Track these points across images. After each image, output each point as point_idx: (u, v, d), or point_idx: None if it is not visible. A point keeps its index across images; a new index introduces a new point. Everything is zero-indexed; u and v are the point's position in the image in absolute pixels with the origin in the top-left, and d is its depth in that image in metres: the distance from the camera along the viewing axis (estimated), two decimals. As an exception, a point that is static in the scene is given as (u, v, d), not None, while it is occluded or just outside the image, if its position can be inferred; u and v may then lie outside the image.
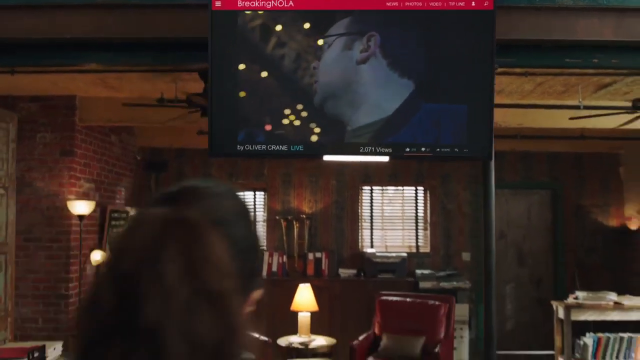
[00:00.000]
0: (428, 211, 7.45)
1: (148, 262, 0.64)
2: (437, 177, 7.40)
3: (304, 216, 7.25)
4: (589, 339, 5.36)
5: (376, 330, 5.41)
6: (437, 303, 5.52)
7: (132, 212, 6.77)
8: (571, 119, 5.16)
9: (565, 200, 7.38)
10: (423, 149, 3.20)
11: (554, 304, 5.69)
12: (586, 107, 5.20)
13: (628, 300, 5.40)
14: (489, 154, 3.20)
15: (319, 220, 7.33)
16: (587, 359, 5.34)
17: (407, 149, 3.20)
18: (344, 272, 7.04)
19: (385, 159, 3.27)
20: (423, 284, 6.72)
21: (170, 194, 0.80)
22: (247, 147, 3.20)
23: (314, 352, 5.24)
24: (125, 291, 0.63)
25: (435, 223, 7.41)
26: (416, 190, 7.51)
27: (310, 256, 7.06)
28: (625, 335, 5.39)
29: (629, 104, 5.12)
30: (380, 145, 3.17)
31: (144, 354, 0.62)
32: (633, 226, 7.05)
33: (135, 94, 5.62)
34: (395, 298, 5.71)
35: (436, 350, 4.92)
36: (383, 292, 5.78)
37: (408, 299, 5.74)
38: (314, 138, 3.16)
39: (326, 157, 3.43)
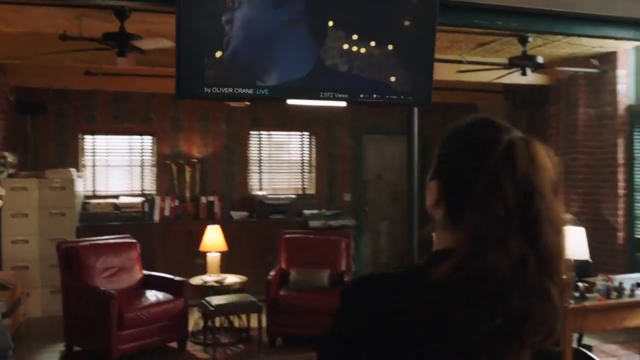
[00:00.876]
0: (313, 155, 7.88)
1: (537, 171, 0.93)
2: (323, 123, 7.83)
3: (195, 160, 7.29)
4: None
5: (283, 266, 5.77)
6: (337, 238, 6.03)
7: (9, 157, 6.30)
8: (459, 72, 5.84)
9: (432, 145, 8.25)
10: (375, 95, 3.55)
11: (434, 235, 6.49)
12: (469, 62, 5.92)
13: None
14: (428, 101, 3.64)
15: (210, 164, 7.41)
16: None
17: (362, 95, 3.53)
18: (236, 215, 7.27)
19: (343, 104, 3.57)
20: (312, 223, 7.21)
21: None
22: (214, 89, 3.30)
23: (229, 288, 5.48)
24: (522, 189, 0.92)
25: (320, 167, 7.88)
26: (302, 135, 7.89)
27: (203, 199, 7.16)
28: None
29: (504, 61, 5.92)
30: (338, 91, 3.47)
31: (534, 241, 0.92)
32: (487, 168, 8.15)
33: (29, 29, 5.22)
34: (298, 235, 6.11)
35: (346, 279, 5.43)
36: (286, 231, 6.14)
37: (311, 236, 6.18)
38: (278, 82, 3.35)
39: (290, 102, 3.63)
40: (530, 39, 5.49)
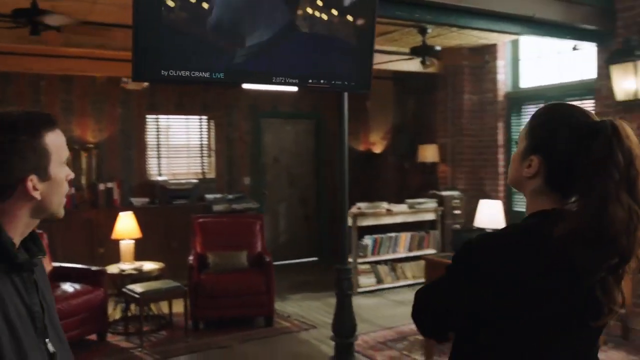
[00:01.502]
0: (212, 140, 7.85)
1: (632, 144, 1.21)
2: (221, 107, 7.82)
3: (91, 145, 6.95)
4: (368, 240, 6.67)
5: (199, 250, 5.77)
6: (251, 220, 6.14)
7: None
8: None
9: (325, 129, 8.58)
10: (322, 81, 3.73)
11: (341, 214, 6.83)
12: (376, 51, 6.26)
13: (394, 207, 6.85)
14: (369, 87, 3.89)
15: (106, 149, 7.10)
16: (367, 255, 6.66)
17: (310, 81, 3.69)
18: (136, 201, 7.06)
19: (294, 89, 3.69)
20: (216, 207, 7.21)
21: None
22: (171, 72, 3.27)
23: (148, 275, 5.38)
24: (627, 158, 1.19)
25: (220, 151, 7.87)
26: (201, 119, 7.81)
27: (101, 186, 6.87)
28: (393, 234, 6.86)
29: (405, 50, 6.36)
30: (289, 76, 3.59)
31: (635, 196, 1.20)
32: (376, 150, 8.66)
33: None
34: (212, 219, 6.12)
35: (267, 260, 5.57)
36: (199, 215, 6.12)
37: (225, 219, 6.22)
38: (233, 66, 3.40)
39: (245, 86, 3.68)
40: (429, 30, 5.95)
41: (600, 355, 1.40)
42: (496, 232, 1.38)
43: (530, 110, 6.84)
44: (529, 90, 6.88)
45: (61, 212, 1.47)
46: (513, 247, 1.29)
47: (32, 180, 1.32)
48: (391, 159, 8.43)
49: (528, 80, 6.93)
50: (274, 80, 3.58)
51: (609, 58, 5.37)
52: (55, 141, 1.38)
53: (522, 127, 1.44)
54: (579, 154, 1.27)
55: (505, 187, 7.05)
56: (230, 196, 7.49)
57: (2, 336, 1.25)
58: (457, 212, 7.10)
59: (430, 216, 7.08)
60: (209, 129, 7.87)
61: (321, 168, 8.65)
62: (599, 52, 5.82)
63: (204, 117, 7.81)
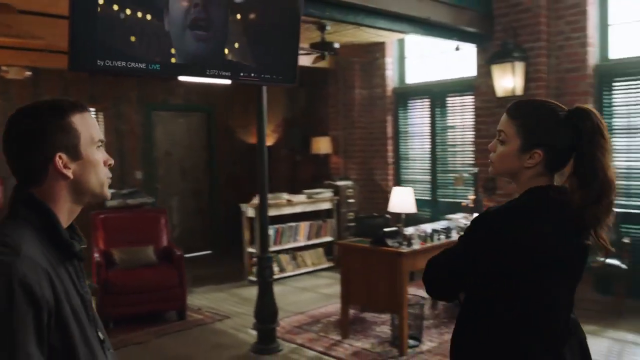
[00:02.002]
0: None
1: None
2: (109, 99, 7.53)
3: (-33, 139, 6.37)
4: (271, 230, 6.82)
5: (102, 247, 5.57)
6: (155, 214, 6.04)
7: None
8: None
9: (217, 122, 8.58)
10: (252, 74, 3.83)
11: (243, 205, 6.92)
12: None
13: (294, 198, 7.07)
14: (295, 80, 4.06)
15: (-16, 143, 6.55)
16: (269, 245, 6.80)
17: (242, 74, 3.78)
18: (21, 199, 6.60)
19: (227, 81, 3.75)
20: (110, 203, 6.94)
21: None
22: (107, 63, 3.20)
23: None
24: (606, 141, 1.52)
25: (109, 144, 7.56)
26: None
27: (-19, 184, 6.34)
28: (293, 224, 7.07)
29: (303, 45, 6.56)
30: (222, 69, 3.65)
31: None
32: (268, 143, 8.81)
33: None
34: (115, 215, 5.93)
35: (178, 253, 5.51)
36: (98, 211, 5.89)
37: (127, 215, 6.04)
38: (170, 58, 3.40)
39: (181, 78, 3.66)
40: (328, 27, 6.22)
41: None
42: (510, 205, 1.63)
43: (416, 105, 7.40)
44: (414, 85, 7.42)
45: (106, 193, 1.50)
46: (528, 214, 1.56)
47: (62, 158, 1.34)
48: (284, 151, 8.64)
49: (413, 76, 7.48)
50: (207, 73, 3.63)
51: (490, 58, 6.00)
52: (83, 123, 1.40)
53: (496, 124, 1.72)
54: (573, 138, 1.57)
55: (394, 176, 7.56)
56: (124, 191, 7.25)
57: (71, 325, 1.27)
58: (351, 200, 7.48)
59: (327, 205, 7.40)
60: (97, 120, 7.52)
61: (213, 161, 8.64)
62: (478, 53, 6.46)
63: (92, 109, 7.45)
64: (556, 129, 1.60)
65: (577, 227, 1.56)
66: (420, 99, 7.34)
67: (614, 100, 5.73)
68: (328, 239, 7.36)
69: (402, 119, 7.54)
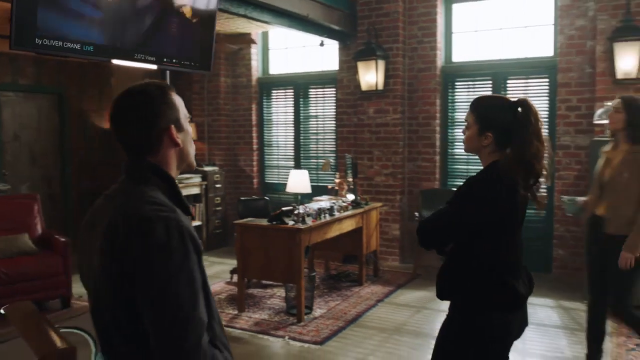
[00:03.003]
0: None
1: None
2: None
3: None
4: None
5: (-31, 237, 5.17)
6: (27, 201, 5.71)
7: None
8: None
9: (70, 105, 8.16)
10: (174, 60, 3.98)
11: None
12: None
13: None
14: (209, 67, 4.26)
15: None
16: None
17: (165, 59, 3.90)
18: None
19: (154, 67, 3.84)
20: (-43, 191, 6.37)
21: None
22: (45, 41, 3.16)
23: None
24: (536, 119, 2.14)
25: (-50, 126, 6.86)
26: None
27: None
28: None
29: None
30: (149, 54, 3.75)
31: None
32: (124, 128, 8.60)
33: None
34: (-21, 202, 5.49)
35: (63, 240, 5.30)
36: (-41, 198, 5.43)
37: (-6, 201, 5.62)
38: (103, 42, 3.44)
39: (114, 61, 3.65)
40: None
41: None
42: (484, 176, 2.17)
43: (280, 94, 7.86)
44: (278, 76, 7.87)
45: (194, 163, 1.74)
46: (499, 182, 2.11)
47: (173, 130, 1.59)
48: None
49: (277, 67, 7.91)
50: (135, 57, 3.71)
51: (356, 55, 6.67)
52: (177, 100, 1.65)
53: (463, 112, 2.27)
54: (512, 122, 2.15)
55: (258, 162, 7.94)
56: (-27, 178, 6.66)
57: (207, 288, 1.52)
58: (218, 185, 7.72)
59: (196, 190, 7.54)
60: None
61: (66, 146, 8.22)
62: (341, 49, 7.12)
63: None
64: (501, 116, 2.17)
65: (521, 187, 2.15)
66: (284, 89, 7.82)
67: (456, 96, 6.76)
68: (197, 223, 7.52)
69: (266, 107, 7.95)
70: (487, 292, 2.14)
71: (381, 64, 6.54)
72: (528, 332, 4.24)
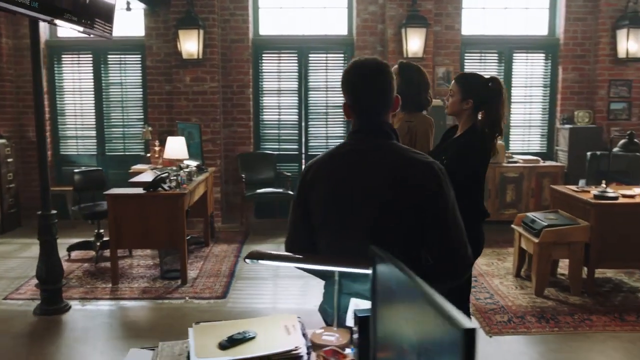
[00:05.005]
0: None
1: None
2: None
3: None
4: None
5: None
6: None
7: None
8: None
9: None
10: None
11: None
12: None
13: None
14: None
15: None
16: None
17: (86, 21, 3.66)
18: None
19: (80, 28, 3.54)
20: None
21: None
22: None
23: None
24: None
25: None
26: None
27: None
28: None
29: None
30: (72, 14, 3.50)
31: None
32: None
33: None
34: None
35: None
36: None
37: None
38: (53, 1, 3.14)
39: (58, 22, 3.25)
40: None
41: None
42: (472, 138, 2.97)
43: (73, 59, 7.34)
44: (70, 40, 7.31)
45: None
46: (482, 137, 2.94)
47: None
48: None
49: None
50: (64, 16, 3.44)
51: (178, 23, 6.72)
52: None
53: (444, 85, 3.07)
54: (487, 92, 3.02)
55: (52, 133, 7.31)
56: None
57: None
58: (10, 159, 6.88)
59: (-14, 166, 6.61)
60: None
61: None
62: (148, 15, 7.06)
63: None
64: (479, 87, 3.01)
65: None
66: (78, 54, 7.32)
67: (265, 67, 7.38)
68: (-11, 203, 6.63)
69: (58, 73, 7.32)
70: (477, 216, 2.98)
71: (201, 33, 6.75)
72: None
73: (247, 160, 7.23)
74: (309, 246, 2.02)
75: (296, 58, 7.34)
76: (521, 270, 5.13)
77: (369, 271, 1.83)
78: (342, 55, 7.37)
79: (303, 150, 7.44)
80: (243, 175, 6.90)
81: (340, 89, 1.96)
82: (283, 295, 4.84)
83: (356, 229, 1.84)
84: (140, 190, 4.97)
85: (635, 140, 4.69)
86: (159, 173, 5.18)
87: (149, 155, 6.94)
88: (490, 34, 7.37)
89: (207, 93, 7.01)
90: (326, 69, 7.39)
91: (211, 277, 5.23)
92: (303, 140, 7.42)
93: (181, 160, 5.50)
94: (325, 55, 7.39)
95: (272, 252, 1.93)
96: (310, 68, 7.34)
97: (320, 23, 7.33)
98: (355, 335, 1.81)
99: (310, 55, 7.32)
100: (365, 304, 1.87)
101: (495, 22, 7.37)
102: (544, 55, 7.40)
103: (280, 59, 7.40)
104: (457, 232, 1.82)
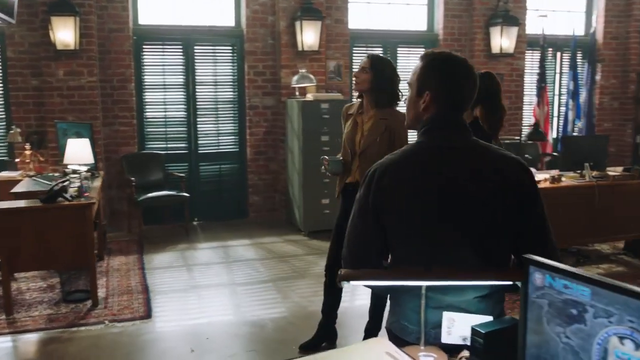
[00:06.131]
0: None
1: None
2: None
3: None
4: None
5: None
6: None
7: None
8: None
9: None
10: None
11: None
12: None
13: None
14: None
15: None
16: None
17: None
18: None
19: None
20: None
21: None
22: None
23: None
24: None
25: None
26: None
27: None
28: None
29: None
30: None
31: None
32: None
33: None
34: None
35: None
36: None
37: None
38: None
39: None
40: None
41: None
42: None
43: None
44: None
45: None
46: (483, 134, 2.97)
47: None
48: None
49: None
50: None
51: (50, 8, 5.87)
52: None
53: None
54: (486, 90, 3.05)
55: None
56: None
57: None
58: None
59: None
60: None
61: None
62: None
63: None
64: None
65: None
66: None
67: (147, 60, 6.78)
68: None
69: None
70: None
71: (78, 21, 5.98)
72: (238, 267, 5.13)
73: (133, 161, 6.59)
74: (381, 259, 1.82)
75: (181, 50, 6.83)
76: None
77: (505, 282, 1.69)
78: (230, 47, 7.01)
79: (193, 149, 6.97)
80: (133, 179, 6.27)
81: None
82: (213, 308, 4.47)
83: (453, 235, 1.68)
84: (36, 203, 4.26)
85: (540, 129, 5.05)
86: (57, 181, 4.49)
87: (17, 160, 6.01)
88: (376, 28, 7.49)
89: (85, 88, 6.25)
90: (215, 62, 6.99)
91: (124, 294, 4.67)
92: (192, 138, 6.95)
93: (85, 166, 4.80)
94: (212, 47, 6.98)
95: (372, 270, 1.70)
96: (197, 61, 6.88)
97: (207, 13, 6.89)
98: (466, 353, 1.66)
99: (196, 47, 6.86)
100: (464, 318, 1.73)
101: (379, 17, 7.51)
102: (424, 50, 7.69)
103: (164, 51, 6.84)
104: (552, 235, 1.74)
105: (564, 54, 8.10)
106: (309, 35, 6.64)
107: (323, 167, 3.41)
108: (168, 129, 6.90)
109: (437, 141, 1.74)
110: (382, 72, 3.21)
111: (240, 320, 4.17)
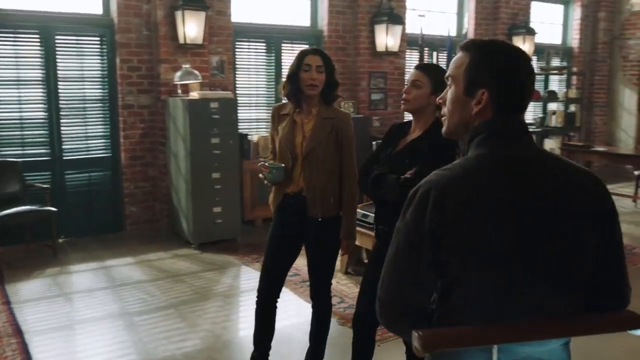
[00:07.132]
0: None
1: None
2: None
3: None
4: None
5: None
6: None
7: None
8: None
9: None
10: None
11: None
12: None
13: None
14: None
15: None
16: None
17: None
18: None
19: None
20: None
21: None
22: None
23: None
24: None
25: None
26: None
27: None
28: None
29: None
30: None
31: None
32: None
33: None
34: None
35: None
36: None
37: None
38: None
39: None
40: None
41: None
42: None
43: None
44: None
45: None
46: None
47: None
48: None
49: None
50: None
51: None
52: None
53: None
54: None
55: None
56: None
57: None
58: None
59: None
60: None
61: None
62: None
63: None
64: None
65: None
66: None
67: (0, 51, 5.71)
68: None
69: None
70: None
71: None
72: (128, 291, 4.52)
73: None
74: (427, 304, 1.44)
75: (39, 40, 5.84)
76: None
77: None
78: (98, 38, 6.15)
79: (57, 155, 6.01)
80: None
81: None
82: (108, 346, 3.76)
83: (540, 267, 1.34)
84: None
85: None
86: None
87: None
88: (260, 22, 7.04)
89: None
90: (80, 55, 6.08)
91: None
92: (56, 142, 5.99)
93: None
94: (77, 37, 6.06)
95: (473, 328, 1.30)
96: (59, 53, 5.93)
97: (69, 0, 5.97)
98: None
99: (57, 37, 5.91)
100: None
101: (263, 11, 7.07)
102: (308, 46, 7.40)
103: (16, 40, 5.80)
104: (625, 264, 1.49)
105: (439, 54, 8.25)
106: (191, 27, 6.01)
107: (261, 174, 2.94)
108: (25, 132, 5.87)
109: (502, 151, 1.39)
110: (332, 66, 2.89)
111: (147, 359, 3.54)
